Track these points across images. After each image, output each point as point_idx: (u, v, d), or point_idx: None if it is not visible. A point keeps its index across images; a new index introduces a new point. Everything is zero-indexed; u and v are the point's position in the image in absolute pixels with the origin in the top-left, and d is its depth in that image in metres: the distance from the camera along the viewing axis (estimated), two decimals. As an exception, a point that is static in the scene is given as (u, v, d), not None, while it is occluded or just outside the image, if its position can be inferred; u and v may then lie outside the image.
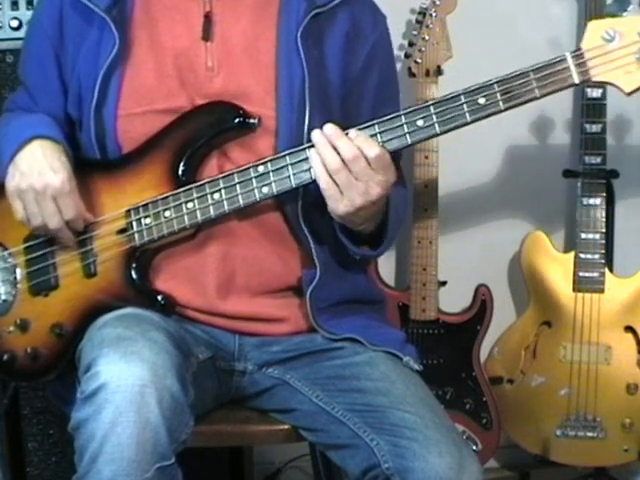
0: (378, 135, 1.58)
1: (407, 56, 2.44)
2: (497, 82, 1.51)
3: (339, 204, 1.57)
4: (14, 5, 2.19)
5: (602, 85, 2.42)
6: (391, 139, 1.58)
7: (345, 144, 1.56)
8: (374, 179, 1.56)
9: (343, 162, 1.56)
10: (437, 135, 1.57)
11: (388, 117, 1.58)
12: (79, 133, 1.75)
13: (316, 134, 1.58)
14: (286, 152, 1.61)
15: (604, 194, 2.50)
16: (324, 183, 1.57)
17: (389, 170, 1.59)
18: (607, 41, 1.50)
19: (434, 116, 1.56)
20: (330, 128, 1.58)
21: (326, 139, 1.57)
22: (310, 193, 1.69)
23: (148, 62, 1.71)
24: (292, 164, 1.61)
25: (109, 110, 1.69)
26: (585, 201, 2.51)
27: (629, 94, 1.51)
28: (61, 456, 2.29)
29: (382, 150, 1.57)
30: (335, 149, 1.56)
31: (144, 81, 1.70)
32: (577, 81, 1.51)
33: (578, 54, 1.50)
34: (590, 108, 2.47)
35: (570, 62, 1.51)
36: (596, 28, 1.51)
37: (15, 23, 2.17)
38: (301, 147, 1.61)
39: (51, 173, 1.62)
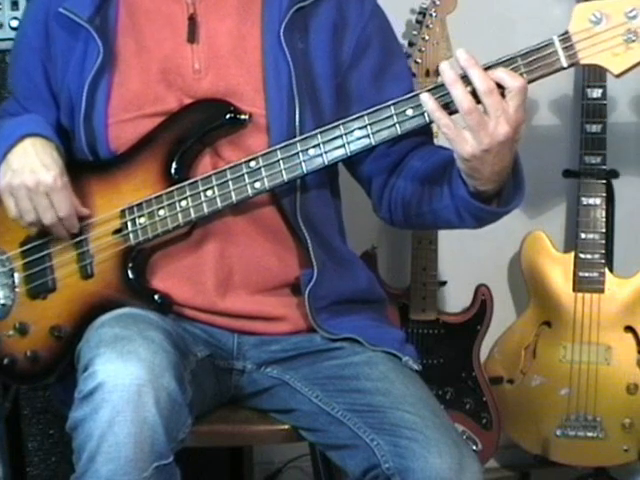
0: (368, 127, 1.57)
1: (407, 56, 2.43)
2: (485, 68, 1.49)
3: (465, 146, 1.48)
4: (14, 5, 2.19)
5: (601, 85, 2.43)
6: (381, 130, 1.57)
7: (480, 73, 1.46)
8: (505, 115, 1.47)
9: (475, 99, 1.47)
10: (427, 124, 1.56)
11: (377, 108, 1.57)
12: (73, 141, 1.75)
13: (445, 68, 1.47)
14: (277, 147, 1.61)
15: (604, 194, 2.50)
16: (445, 125, 1.48)
17: (521, 108, 1.48)
18: (594, 23, 1.48)
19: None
20: (463, 54, 1.47)
21: (456, 75, 1.47)
22: (308, 188, 1.69)
23: (134, 68, 1.71)
24: (283, 159, 1.61)
25: (98, 119, 1.69)
26: (585, 201, 2.51)
27: (618, 76, 1.50)
28: (61, 456, 2.29)
29: (525, 82, 1.48)
30: (467, 82, 1.47)
31: (130, 87, 1.70)
32: (565, 64, 1.50)
33: (565, 37, 1.49)
34: (590, 108, 2.47)
35: (557, 45, 1.49)
36: (583, 11, 1.49)
37: (15, 23, 2.17)
38: (291, 141, 1.61)
39: (43, 170, 1.63)
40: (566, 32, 1.49)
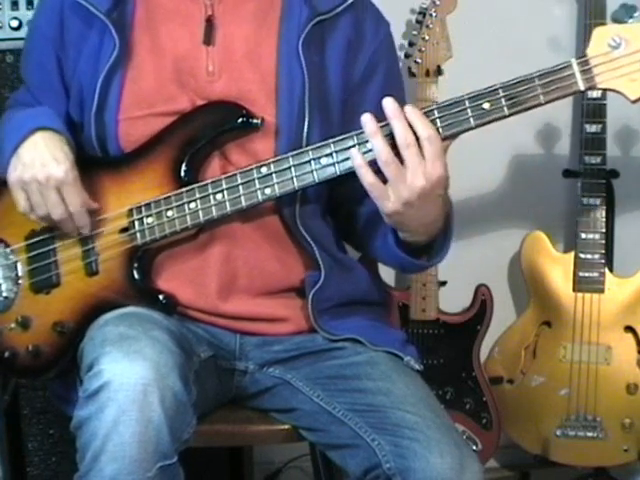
0: None
1: (407, 56, 2.44)
2: (502, 87, 1.50)
3: (387, 202, 1.51)
4: (14, 5, 2.18)
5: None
6: None
7: (401, 125, 1.49)
8: (422, 168, 1.48)
9: (395, 150, 1.49)
10: (442, 140, 1.54)
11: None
12: (81, 134, 1.74)
13: (367, 120, 1.51)
14: (290, 154, 1.61)
15: (604, 194, 2.50)
16: (369, 184, 1.51)
17: (438, 162, 1.49)
18: (613, 48, 1.48)
19: (438, 121, 1.53)
20: (390, 104, 1.50)
21: (377, 126, 1.51)
22: (308, 198, 1.69)
23: (148, 65, 1.70)
24: (295, 166, 1.60)
25: (110, 114, 1.68)
26: (585, 201, 2.51)
27: (634, 102, 1.50)
28: (61, 456, 2.29)
29: (434, 132, 1.50)
30: (389, 133, 1.49)
31: (144, 85, 1.69)
32: (582, 88, 1.50)
33: (583, 60, 1.49)
34: (590, 108, 2.47)
35: (576, 69, 1.50)
36: (602, 35, 1.50)
37: (15, 23, 2.17)
38: (304, 149, 1.60)
39: (54, 164, 1.62)
40: (584, 55, 1.50)
